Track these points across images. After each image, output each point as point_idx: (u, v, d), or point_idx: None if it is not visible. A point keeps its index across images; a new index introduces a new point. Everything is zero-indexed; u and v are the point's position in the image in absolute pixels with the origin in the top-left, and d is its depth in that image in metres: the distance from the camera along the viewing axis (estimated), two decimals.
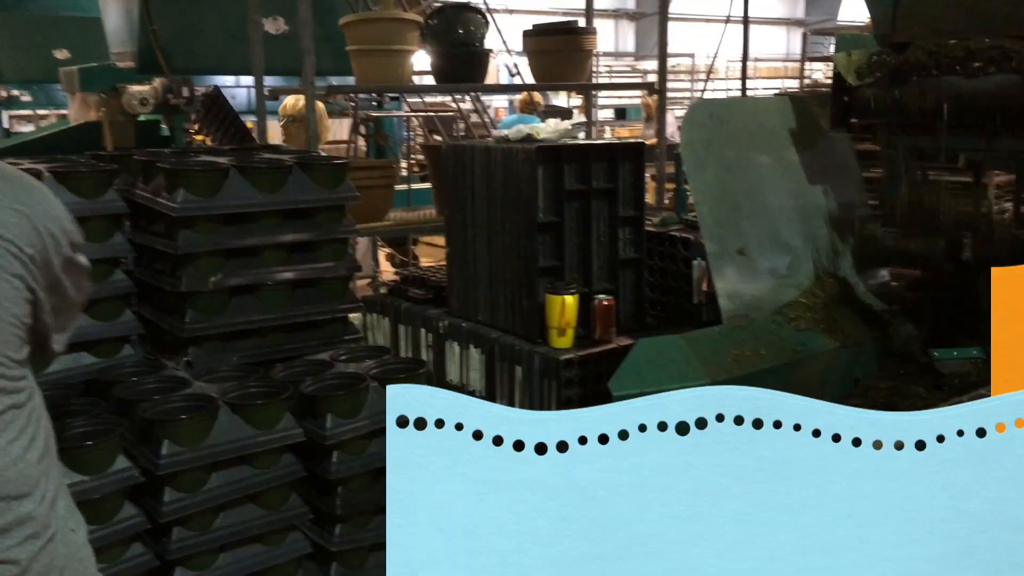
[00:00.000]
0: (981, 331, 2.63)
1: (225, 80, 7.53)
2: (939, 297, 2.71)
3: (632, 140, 3.29)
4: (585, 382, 3.03)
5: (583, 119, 6.96)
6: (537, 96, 8.92)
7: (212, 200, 2.44)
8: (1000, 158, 2.55)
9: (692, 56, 18.31)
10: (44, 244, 1.49)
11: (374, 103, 7.89)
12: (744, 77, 5.39)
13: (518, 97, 15.80)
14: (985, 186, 2.85)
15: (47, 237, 1.50)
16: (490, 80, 5.84)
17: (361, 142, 7.95)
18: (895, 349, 2.64)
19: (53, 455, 1.51)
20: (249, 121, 5.88)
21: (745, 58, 5.32)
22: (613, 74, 19.82)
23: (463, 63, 4.45)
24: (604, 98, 15.87)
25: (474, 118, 8.53)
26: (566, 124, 3.32)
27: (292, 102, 5.43)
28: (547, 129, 3.27)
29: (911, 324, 2.69)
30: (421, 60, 4.90)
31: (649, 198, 7.75)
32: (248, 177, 2.49)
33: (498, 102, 18.57)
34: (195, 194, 2.41)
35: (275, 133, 5.92)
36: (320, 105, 5.26)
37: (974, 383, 2.40)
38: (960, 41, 2.47)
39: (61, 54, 7.87)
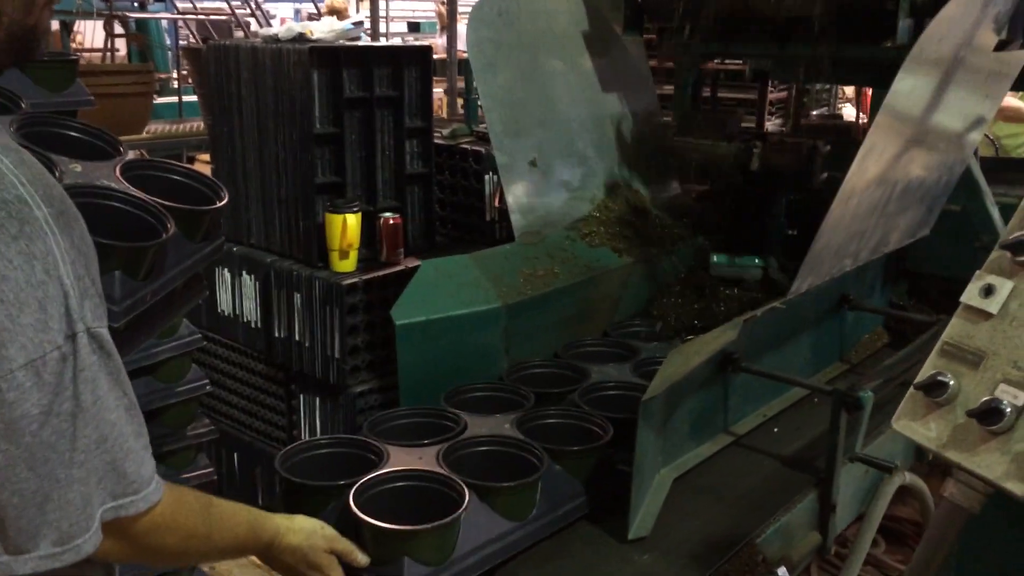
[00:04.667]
0: (767, 242, 2.63)
1: None
2: (728, 208, 2.68)
3: (418, 44, 3.03)
4: (371, 308, 2.82)
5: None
6: (341, 3, 8.34)
7: None
8: (785, 66, 2.52)
9: None
10: None
11: (135, 3, 7.07)
12: None
13: (306, 6, 14.89)
14: (767, 96, 2.83)
15: None
16: None
17: (123, 49, 7.13)
18: (688, 263, 2.60)
19: None
20: None
21: None
22: None
23: None
24: (397, 10, 15.25)
25: (254, 26, 7.88)
26: (344, 24, 2.99)
27: None
28: (322, 28, 2.94)
29: (702, 237, 2.65)
30: None
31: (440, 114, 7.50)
32: None
33: (284, 10, 17.45)
34: None
35: None
36: None
37: (751, 295, 2.40)
38: None
39: None
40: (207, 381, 2.41)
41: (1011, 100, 4.39)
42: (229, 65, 3.05)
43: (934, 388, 1.05)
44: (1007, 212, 2.59)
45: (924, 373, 1.08)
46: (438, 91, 7.35)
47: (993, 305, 1.05)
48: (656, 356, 2.17)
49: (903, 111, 1.90)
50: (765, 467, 1.94)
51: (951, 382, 1.04)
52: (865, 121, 4.65)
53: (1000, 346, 1.02)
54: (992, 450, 0.97)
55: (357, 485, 1.64)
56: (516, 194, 2.29)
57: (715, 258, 2.60)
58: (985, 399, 1.00)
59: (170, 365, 2.34)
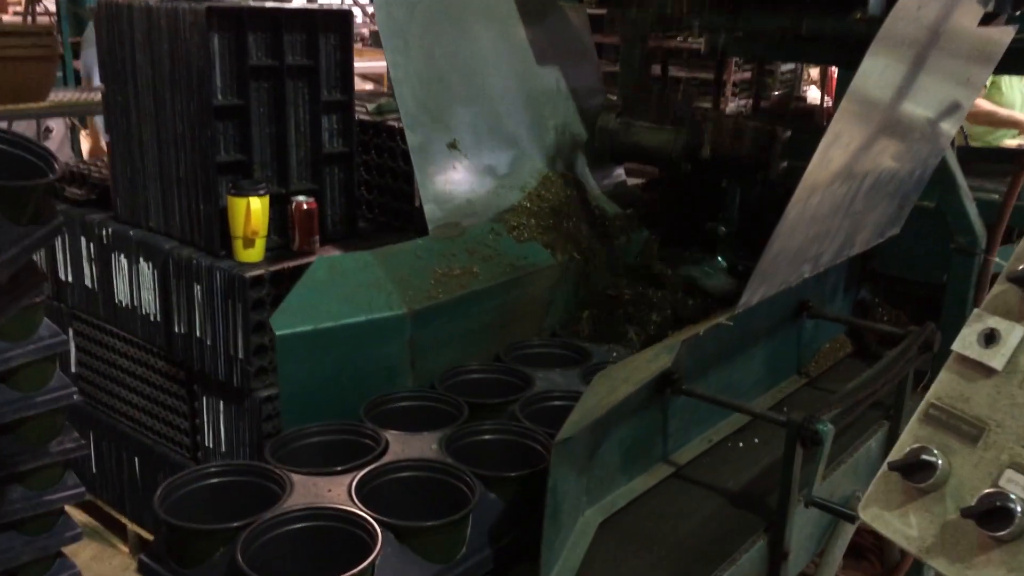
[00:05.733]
0: (718, 234, 2.35)
1: None
2: (676, 198, 2.41)
3: (336, 8, 2.70)
4: (279, 303, 2.49)
5: None
6: None
7: None
8: (741, 39, 2.23)
9: None
10: None
11: None
12: None
13: None
14: (723, 75, 2.54)
15: None
16: None
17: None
18: (630, 258, 2.32)
19: None
20: None
21: None
22: None
23: None
24: None
25: None
26: None
27: None
28: None
29: (647, 229, 2.36)
30: None
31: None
32: None
33: None
34: None
35: None
36: None
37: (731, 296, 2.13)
38: None
39: None
40: (74, 389, 2.08)
41: (982, 103, 4.14)
42: (122, 26, 2.71)
43: (916, 470, 0.77)
44: (983, 208, 2.35)
45: (902, 447, 0.80)
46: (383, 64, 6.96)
47: (997, 358, 0.77)
48: (609, 360, 1.92)
49: (872, 94, 1.63)
50: (708, 505, 1.68)
51: (939, 462, 0.77)
52: (830, 104, 4.40)
53: (1006, 415, 0.75)
54: (995, 563, 0.70)
55: (249, 529, 1.35)
56: (431, 180, 1.99)
57: (695, 274, 2.30)
58: (986, 492, 0.73)
59: (28, 371, 2.01)
